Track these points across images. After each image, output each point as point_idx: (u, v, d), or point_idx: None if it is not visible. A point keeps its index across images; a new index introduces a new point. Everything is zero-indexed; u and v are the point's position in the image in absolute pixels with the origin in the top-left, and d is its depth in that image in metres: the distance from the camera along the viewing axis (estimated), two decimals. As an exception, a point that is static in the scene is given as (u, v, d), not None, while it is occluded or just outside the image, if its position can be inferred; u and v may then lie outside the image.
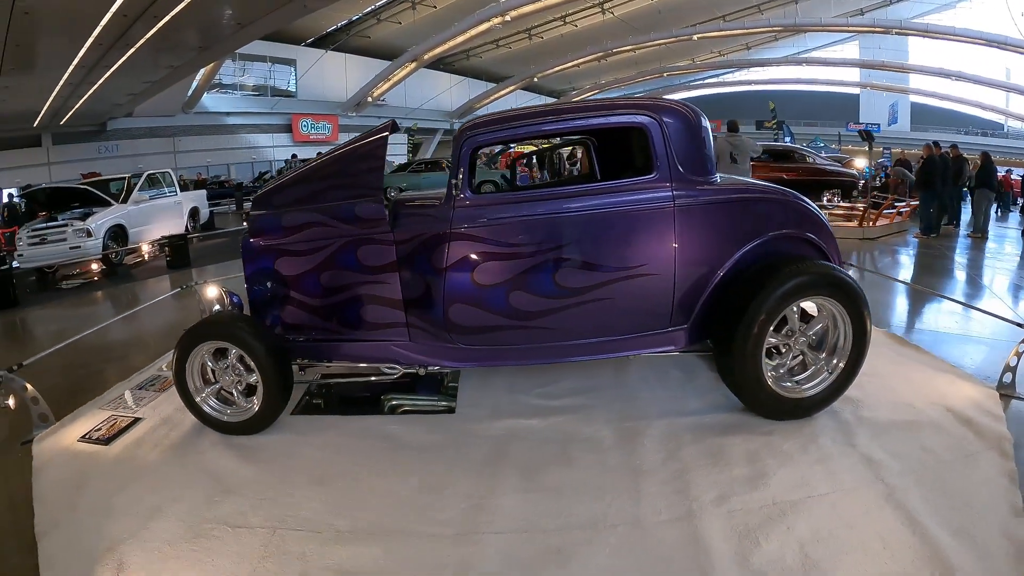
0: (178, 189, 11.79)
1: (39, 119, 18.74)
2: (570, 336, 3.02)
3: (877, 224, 9.57)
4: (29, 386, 3.45)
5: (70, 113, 18.97)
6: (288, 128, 31.07)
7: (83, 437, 3.28)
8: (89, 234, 8.81)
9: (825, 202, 10.84)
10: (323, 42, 32.49)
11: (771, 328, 2.83)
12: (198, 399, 3.12)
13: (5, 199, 18.86)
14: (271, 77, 32.91)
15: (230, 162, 29.74)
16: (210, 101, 29.66)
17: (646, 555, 2.15)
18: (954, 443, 2.77)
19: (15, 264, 8.35)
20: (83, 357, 4.90)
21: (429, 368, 3.20)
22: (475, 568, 2.07)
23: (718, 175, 3.16)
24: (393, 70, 28.73)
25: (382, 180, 3.18)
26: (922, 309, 5.71)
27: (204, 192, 14.88)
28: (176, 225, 11.13)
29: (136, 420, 3.43)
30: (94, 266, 9.35)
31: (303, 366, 3.41)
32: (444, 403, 3.39)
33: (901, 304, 5.95)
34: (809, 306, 3.03)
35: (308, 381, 3.63)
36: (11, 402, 3.34)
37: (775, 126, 27.51)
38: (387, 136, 3.17)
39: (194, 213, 12.61)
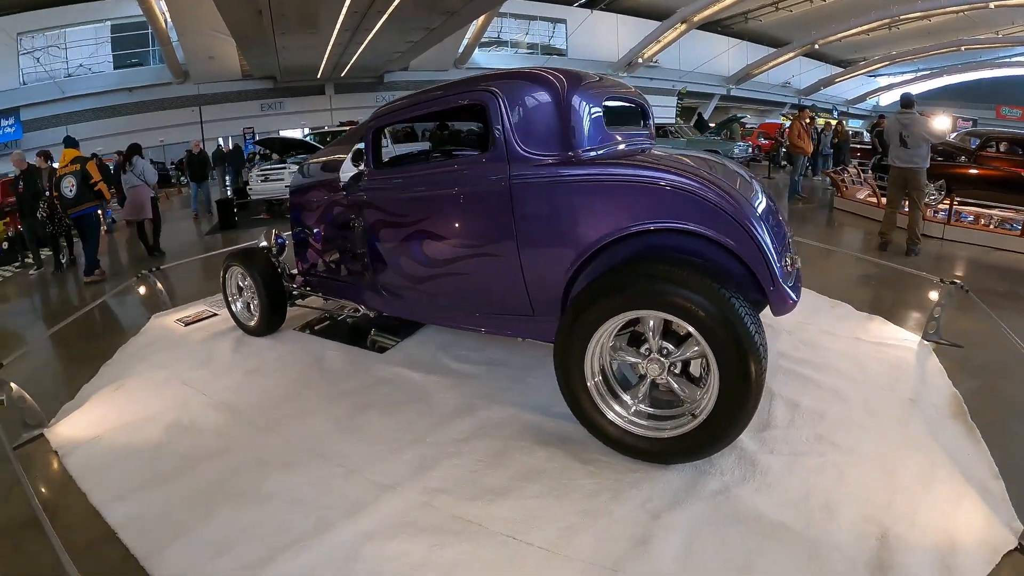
0: (389, 141, 14.59)
1: (321, 71, 24.21)
2: (453, 305, 3.48)
3: None
4: (159, 283, 5.63)
5: (347, 67, 24.07)
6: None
7: (179, 319, 5.29)
8: (303, 175, 11.83)
9: None
10: (594, 2, 34.53)
11: (592, 340, 2.65)
12: (231, 302, 4.82)
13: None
14: (552, 34, 36.19)
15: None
16: (481, 57, 34.13)
17: (301, 502, 2.53)
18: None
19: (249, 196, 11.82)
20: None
21: (384, 313, 4.13)
22: (236, 451, 2.97)
23: (603, 150, 2.94)
24: (663, 31, 29.40)
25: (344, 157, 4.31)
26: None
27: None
28: (384, 170, 14.06)
29: (214, 315, 5.34)
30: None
31: (323, 296, 4.85)
32: (386, 344, 4.40)
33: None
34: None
35: (327, 309, 5.13)
36: (142, 290, 5.52)
37: None
38: (369, 123, 4.31)
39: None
